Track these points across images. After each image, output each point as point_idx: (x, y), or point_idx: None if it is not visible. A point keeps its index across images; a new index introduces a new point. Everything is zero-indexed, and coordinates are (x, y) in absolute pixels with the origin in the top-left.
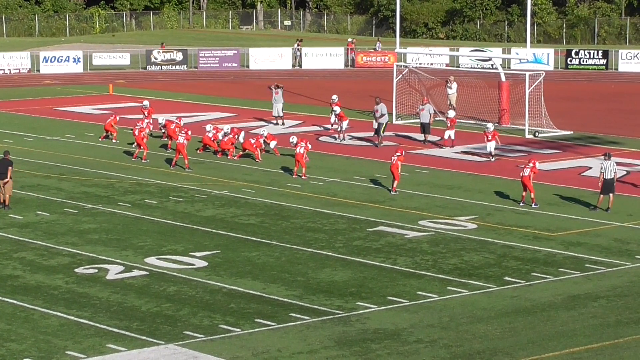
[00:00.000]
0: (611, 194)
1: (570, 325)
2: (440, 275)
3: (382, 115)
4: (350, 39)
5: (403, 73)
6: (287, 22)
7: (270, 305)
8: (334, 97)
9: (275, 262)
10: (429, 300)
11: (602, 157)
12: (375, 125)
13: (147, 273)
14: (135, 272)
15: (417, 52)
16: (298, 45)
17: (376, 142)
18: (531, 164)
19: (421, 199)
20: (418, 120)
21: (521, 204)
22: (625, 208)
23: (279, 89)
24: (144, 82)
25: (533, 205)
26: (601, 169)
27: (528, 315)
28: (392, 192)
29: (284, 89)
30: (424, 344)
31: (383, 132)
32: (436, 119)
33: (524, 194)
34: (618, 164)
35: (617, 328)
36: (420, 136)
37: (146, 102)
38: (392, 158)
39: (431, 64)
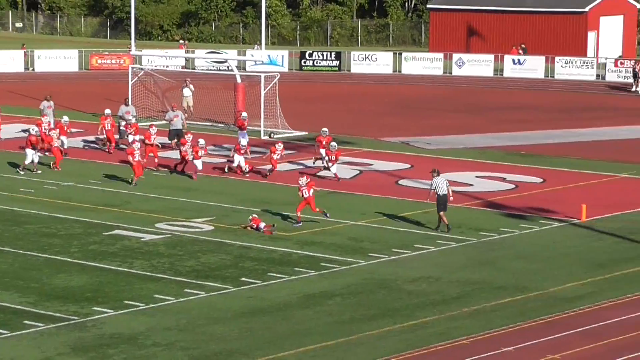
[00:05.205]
0: (442, 212)
1: (305, 324)
2: (178, 278)
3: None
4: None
5: (139, 75)
6: (19, 24)
7: (2, 313)
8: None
9: (9, 268)
10: (166, 303)
11: (431, 173)
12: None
13: None
14: None
15: (152, 55)
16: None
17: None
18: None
19: (158, 201)
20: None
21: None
22: (359, 207)
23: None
24: None
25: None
26: (432, 185)
27: (264, 315)
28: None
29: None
30: (161, 347)
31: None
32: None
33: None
34: (350, 164)
35: (352, 325)
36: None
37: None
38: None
39: (167, 66)
